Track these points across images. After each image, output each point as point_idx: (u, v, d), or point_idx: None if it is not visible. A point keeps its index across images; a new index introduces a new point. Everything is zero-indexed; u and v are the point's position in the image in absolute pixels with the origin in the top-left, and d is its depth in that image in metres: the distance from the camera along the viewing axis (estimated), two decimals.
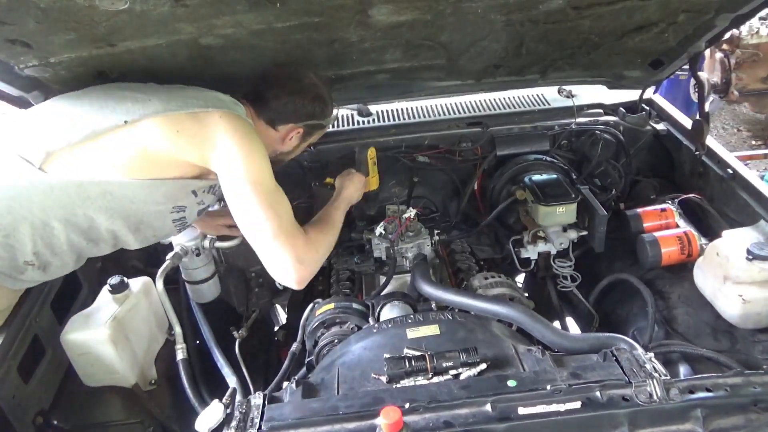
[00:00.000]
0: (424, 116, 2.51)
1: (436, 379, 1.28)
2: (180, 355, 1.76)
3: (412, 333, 1.44)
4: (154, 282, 1.86)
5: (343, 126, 2.47)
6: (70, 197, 1.42)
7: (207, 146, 1.46)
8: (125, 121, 1.43)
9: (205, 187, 1.59)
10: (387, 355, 1.32)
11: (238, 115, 1.54)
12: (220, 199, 1.70)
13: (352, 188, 1.91)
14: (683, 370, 1.65)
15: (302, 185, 2.34)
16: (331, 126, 2.18)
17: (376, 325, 1.54)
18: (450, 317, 1.52)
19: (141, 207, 1.50)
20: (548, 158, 2.33)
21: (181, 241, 1.91)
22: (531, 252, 2.20)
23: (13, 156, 1.41)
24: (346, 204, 1.86)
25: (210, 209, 1.82)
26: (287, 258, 1.44)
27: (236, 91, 1.74)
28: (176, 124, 1.45)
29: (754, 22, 5.16)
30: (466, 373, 1.28)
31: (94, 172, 1.42)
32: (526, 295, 1.89)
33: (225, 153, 1.45)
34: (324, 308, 1.70)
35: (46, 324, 1.76)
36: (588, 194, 2.09)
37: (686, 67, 2.17)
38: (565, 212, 2.04)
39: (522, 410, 1.10)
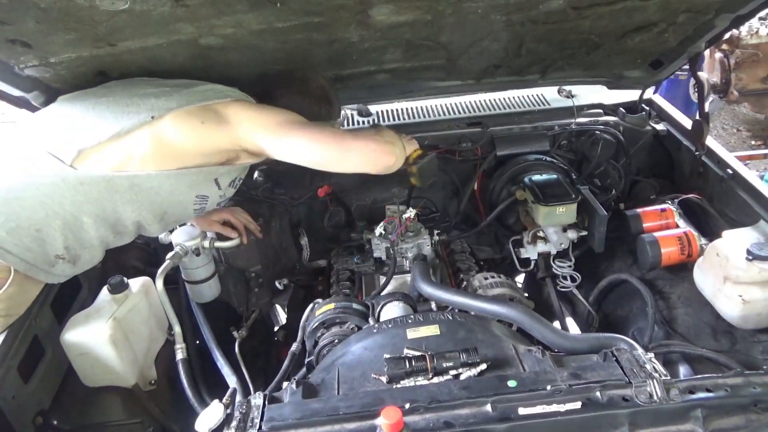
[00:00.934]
0: (424, 116, 2.52)
1: (436, 380, 1.28)
2: (180, 355, 1.76)
3: (412, 333, 1.44)
4: (154, 282, 1.86)
5: (343, 126, 2.47)
6: (100, 192, 1.47)
7: (234, 127, 1.53)
8: (152, 117, 1.48)
9: (228, 177, 1.65)
10: (387, 356, 1.32)
11: (250, 100, 1.63)
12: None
13: (394, 137, 1.68)
14: (683, 370, 1.66)
15: (302, 185, 2.35)
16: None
17: (376, 326, 1.54)
18: (450, 317, 1.52)
19: (166, 197, 1.56)
20: (548, 158, 2.33)
21: (180, 241, 1.91)
22: (531, 252, 2.20)
23: (43, 153, 1.45)
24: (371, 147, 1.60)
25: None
26: (371, 154, 1.54)
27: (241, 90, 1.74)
28: (200, 116, 1.51)
29: (754, 22, 5.17)
30: (466, 374, 1.28)
31: (122, 167, 1.47)
32: (526, 295, 1.89)
33: (252, 124, 1.53)
34: (324, 308, 1.70)
35: (46, 324, 1.76)
36: (588, 194, 2.09)
37: (686, 67, 2.17)
38: (565, 212, 2.04)
39: (522, 410, 1.10)
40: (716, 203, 2.08)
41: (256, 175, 2.27)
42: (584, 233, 2.09)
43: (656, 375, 1.17)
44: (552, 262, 2.19)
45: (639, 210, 2.11)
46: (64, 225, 1.47)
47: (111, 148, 1.47)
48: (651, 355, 1.27)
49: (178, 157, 1.51)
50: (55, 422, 1.68)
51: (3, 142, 1.55)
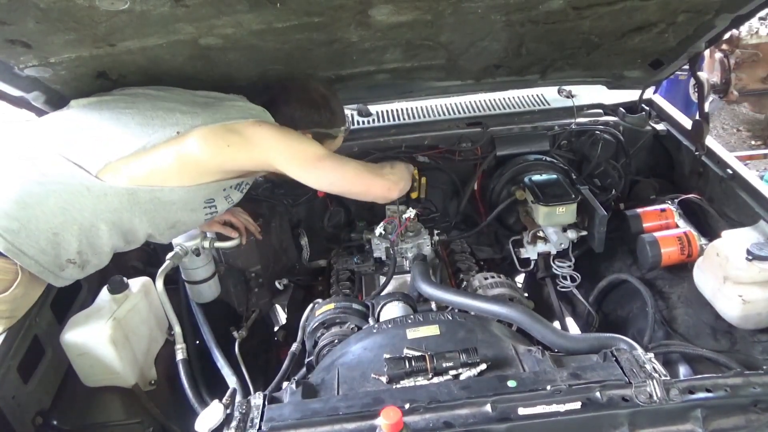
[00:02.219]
0: (424, 116, 2.51)
1: (436, 380, 1.28)
2: (180, 355, 1.77)
3: (412, 333, 1.44)
4: (154, 282, 1.86)
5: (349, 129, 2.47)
6: (121, 203, 1.51)
7: (260, 150, 1.59)
8: (177, 132, 1.52)
9: (239, 187, 1.73)
10: (387, 356, 1.32)
11: (269, 121, 1.68)
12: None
13: (399, 177, 1.88)
14: (683, 370, 1.66)
15: (302, 185, 2.34)
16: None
17: (376, 326, 1.55)
18: (450, 317, 1.52)
19: (181, 208, 1.61)
20: (548, 158, 2.32)
21: (180, 241, 1.91)
22: (531, 252, 2.20)
23: (64, 161, 1.47)
24: (389, 177, 1.83)
25: None
26: (379, 189, 1.75)
27: (237, 91, 1.75)
28: (225, 137, 1.55)
29: (754, 22, 5.17)
30: (466, 374, 1.28)
31: (145, 180, 1.51)
32: (526, 295, 1.89)
33: (281, 154, 1.61)
34: (324, 308, 1.70)
35: (46, 324, 1.76)
36: (588, 194, 2.09)
37: (686, 67, 2.17)
38: (565, 212, 2.04)
39: (522, 411, 1.10)
40: (716, 203, 2.08)
41: None
42: (584, 233, 2.09)
43: (656, 375, 1.17)
44: (552, 262, 2.19)
45: (639, 210, 2.11)
46: (81, 231, 1.50)
47: (136, 161, 1.50)
48: (651, 355, 1.27)
49: (200, 174, 1.57)
50: (55, 422, 1.67)
51: (12, 143, 1.56)
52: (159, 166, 1.52)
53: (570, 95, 2.49)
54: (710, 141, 2.18)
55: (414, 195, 2.17)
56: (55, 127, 1.59)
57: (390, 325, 1.52)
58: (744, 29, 5.18)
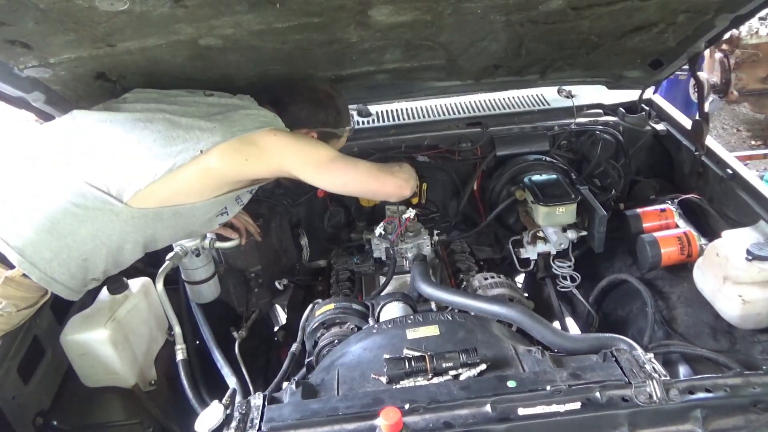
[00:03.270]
0: (424, 116, 2.51)
1: (436, 380, 1.27)
2: (180, 355, 1.77)
3: (412, 333, 1.44)
4: (154, 282, 1.86)
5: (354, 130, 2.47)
6: (146, 222, 1.54)
7: (275, 159, 1.63)
8: (201, 151, 1.53)
9: (248, 190, 1.74)
10: (387, 356, 1.32)
11: (281, 128, 1.70)
12: None
13: (409, 176, 1.88)
14: (683, 370, 1.65)
15: (302, 185, 2.34)
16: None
17: (376, 326, 1.54)
18: (450, 318, 1.52)
19: (199, 219, 1.64)
20: (548, 158, 2.32)
21: (180, 241, 1.91)
22: (531, 252, 2.20)
23: (90, 189, 1.46)
24: (395, 179, 1.82)
25: None
26: (392, 187, 1.76)
27: (237, 91, 1.75)
28: (243, 152, 1.58)
29: (754, 22, 5.16)
30: (465, 374, 1.28)
31: (170, 200, 1.54)
32: (526, 295, 1.89)
33: (296, 159, 1.64)
34: (324, 309, 1.70)
35: (45, 324, 1.76)
36: (588, 194, 2.10)
37: (686, 67, 2.17)
38: (565, 212, 2.04)
39: (522, 411, 1.10)
40: (716, 203, 2.08)
41: None
42: (584, 233, 2.09)
43: (656, 375, 1.17)
44: (552, 262, 2.19)
45: (639, 210, 2.11)
46: (108, 253, 1.53)
47: (162, 185, 1.52)
48: (651, 355, 1.26)
49: (220, 186, 1.60)
50: (55, 422, 1.68)
51: (28, 156, 1.53)
52: (183, 185, 1.54)
53: (570, 95, 2.49)
54: (710, 141, 2.18)
55: (414, 200, 2.18)
56: (75, 145, 1.54)
57: (390, 326, 1.52)
58: (744, 29, 5.17)
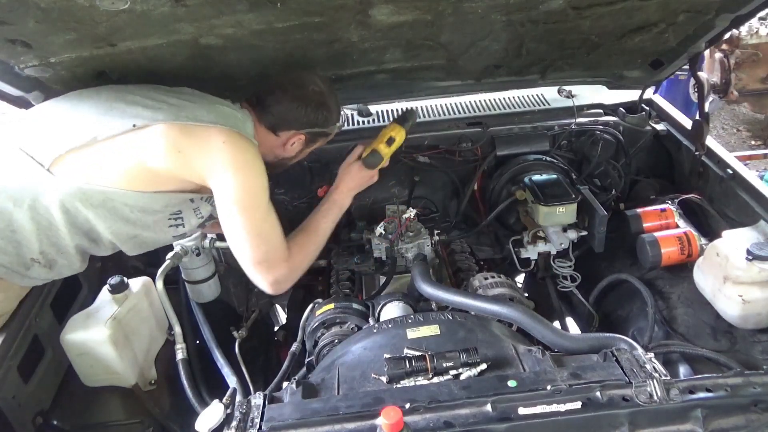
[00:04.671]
0: (424, 116, 2.51)
1: (436, 380, 1.27)
2: (180, 355, 1.77)
3: (412, 333, 1.44)
4: (154, 282, 1.86)
5: (343, 126, 2.47)
6: (74, 201, 1.44)
7: (206, 170, 1.47)
8: (134, 125, 1.42)
9: (204, 196, 1.61)
10: (387, 356, 1.32)
11: (241, 135, 1.53)
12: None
13: (351, 184, 1.81)
14: (683, 370, 1.65)
15: (302, 185, 2.34)
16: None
17: (376, 326, 1.54)
18: (450, 317, 1.51)
19: (140, 216, 1.51)
20: (548, 158, 2.32)
21: (181, 240, 1.91)
22: (531, 252, 2.20)
23: (20, 154, 1.42)
24: (338, 210, 1.79)
25: None
26: (265, 282, 1.57)
27: (237, 91, 1.74)
28: (178, 142, 1.44)
29: (754, 22, 5.18)
30: (466, 374, 1.28)
31: (97, 178, 1.43)
32: (526, 295, 1.89)
33: (222, 177, 1.47)
34: (324, 308, 1.70)
35: (46, 324, 1.76)
36: (588, 194, 2.09)
37: (686, 67, 2.17)
38: (565, 212, 2.04)
39: (522, 410, 1.10)
40: (716, 203, 2.08)
41: None
42: (584, 233, 2.09)
43: (656, 375, 1.17)
44: (552, 262, 2.19)
45: (639, 210, 2.11)
46: (39, 229, 1.44)
47: (88, 154, 1.42)
48: (651, 355, 1.26)
49: (152, 180, 1.46)
50: (55, 422, 1.68)
51: None
52: (110, 163, 1.42)
53: (570, 95, 2.49)
54: (710, 141, 2.18)
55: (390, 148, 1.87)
56: (21, 121, 1.54)
57: (390, 325, 1.52)
58: (744, 29, 5.19)
